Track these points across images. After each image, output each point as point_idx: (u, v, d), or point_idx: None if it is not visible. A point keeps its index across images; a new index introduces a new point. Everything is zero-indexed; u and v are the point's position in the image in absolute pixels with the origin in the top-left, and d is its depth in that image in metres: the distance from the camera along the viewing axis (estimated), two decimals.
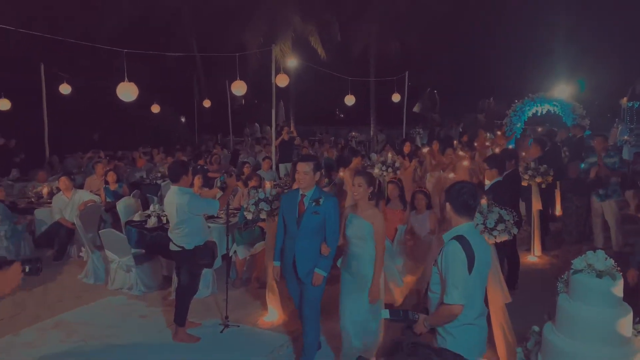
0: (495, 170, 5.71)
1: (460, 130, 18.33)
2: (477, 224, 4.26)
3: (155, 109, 16.03)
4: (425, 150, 10.28)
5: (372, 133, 21.54)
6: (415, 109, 22.38)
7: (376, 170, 8.36)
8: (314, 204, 4.06)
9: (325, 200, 4.10)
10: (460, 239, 2.87)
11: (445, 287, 2.85)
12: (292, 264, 4.17)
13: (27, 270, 2.56)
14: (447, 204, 2.98)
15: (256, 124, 20.83)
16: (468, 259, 2.82)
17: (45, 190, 8.34)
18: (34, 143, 11.84)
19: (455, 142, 12.21)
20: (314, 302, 4.23)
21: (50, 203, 7.61)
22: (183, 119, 22.01)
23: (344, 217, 4.55)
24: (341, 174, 8.23)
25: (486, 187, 5.62)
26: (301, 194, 4.14)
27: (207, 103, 18.48)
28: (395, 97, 16.07)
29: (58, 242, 7.26)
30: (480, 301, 2.97)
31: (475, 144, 12.74)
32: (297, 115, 23.12)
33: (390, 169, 8.06)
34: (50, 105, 10.99)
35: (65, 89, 11.84)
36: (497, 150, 9.72)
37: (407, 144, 9.38)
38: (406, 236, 5.86)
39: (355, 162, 7.80)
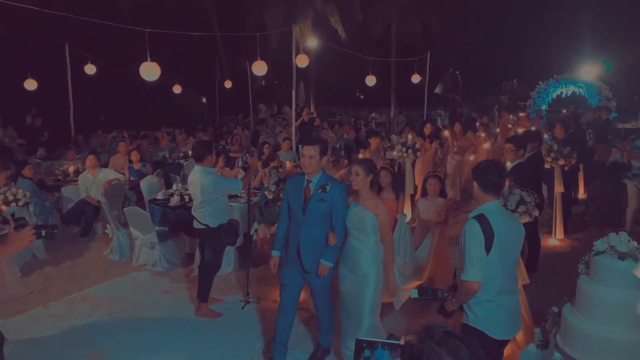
0: (517, 151, 5.66)
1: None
2: None
3: (177, 89, 16.15)
4: (446, 132, 10.20)
5: (392, 114, 21.38)
6: (437, 90, 22.11)
7: (396, 152, 8.35)
8: (320, 190, 3.81)
9: (332, 187, 3.82)
10: (480, 218, 2.90)
11: (464, 263, 2.90)
12: (296, 252, 3.92)
13: (43, 234, 2.84)
14: (475, 183, 3.04)
15: (261, 104, 20.75)
16: (486, 238, 2.85)
17: (71, 169, 8.56)
18: (59, 122, 12.08)
19: (477, 123, 12.07)
20: (324, 292, 4.02)
21: (77, 181, 7.81)
22: (204, 100, 22.14)
23: None
24: (361, 155, 8.24)
25: (508, 169, 5.57)
26: (307, 180, 3.88)
27: (228, 84, 18.54)
28: (416, 78, 15.89)
29: (84, 219, 7.47)
30: (501, 279, 2.97)
31: (498, 129, 12.60)
32: (317, 96, 23.06)
33: (410, 151, 8.04)
34: (75, 85, 11.17)
35: (90, 69, 12.02)
36: (519, 132, 9.59)
37: (428, 125, 9.32)
38: (412, 224, 5.48)
39: (375, 143, 7.80)
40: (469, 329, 2.99)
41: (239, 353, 4.34)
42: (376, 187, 3.95)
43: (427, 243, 4.85)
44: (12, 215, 4.33)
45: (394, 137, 13.48)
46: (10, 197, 5.58)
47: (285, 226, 4.03)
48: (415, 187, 8.70)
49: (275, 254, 4.08)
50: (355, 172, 3.77)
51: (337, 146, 11.82)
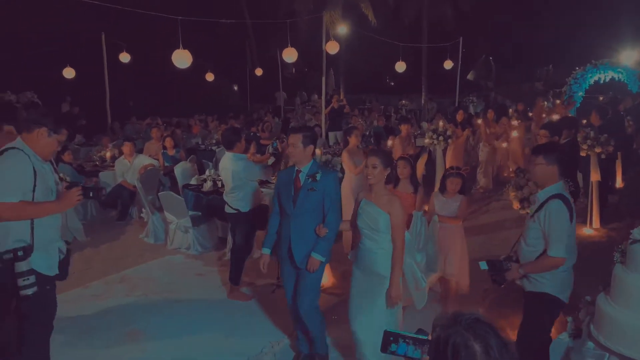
0: (552, 138, 5.55)
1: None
2: (531, 193, 4.21)
3: (209, 77, 16.34)
4: (479, 121, 10.03)
5: (423, 101, 21.13)
6: (469, 76, 21.73)
7: (427, 139, 8.28)
8: (310, 180, 3.57)
9: (323, 175, 3.59)
10: (561, 196, 3.13)
11: (549, 241, 3.13)
12: (288, 248, 3.68)
13: (90, 194, 3.16)
14: (553, 165, 3.19)
15: (282, 92, 20.78)
16: (569, 213, 3.12)
17: (108, 154, 8.82)
18: (96, 110, 12.42)
19: (510, 110, 11.83)
20: (312, 290, 3.70)
21: (113, 166, 8.05)
22: (236, 87, 22.34)
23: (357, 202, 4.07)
24: (390, 142, 8.21)
25: None
26: (296, 170, 3.65)
27: (258, 71, 18.65)
28: (448, 64, 15.65)
29: (121, 203, 7.71)
30: (574, 251, 3.27)
31: (531, 114, 12.32)
32: (347, 83, 22.94)
33: (441, 138, 7.96)
34: (110, 73, 11.44)
35: (124, 57, 12.28)
36: (555, 119, 9.37)
37: (460, 112, 9.19)
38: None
39: (405, 130, 7.75)
40: (545, 296, 3.25)
41: (268, 335, 4.43)
42: (393, 180, 3.63)
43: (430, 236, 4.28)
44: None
45: (424, 124, 13.36)
46: None
47: (277, 222, 3.80)
48: None
49: (265, 251, 3.85)
50: (372, 165, 3.40)
51: (367, 133, 11.78)
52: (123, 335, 4.46)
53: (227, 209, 5.13)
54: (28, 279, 2.91)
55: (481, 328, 1.42)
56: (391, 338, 1.60)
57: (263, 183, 6.96)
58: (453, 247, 4.63)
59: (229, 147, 5.06)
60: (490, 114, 10.12)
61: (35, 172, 2.94)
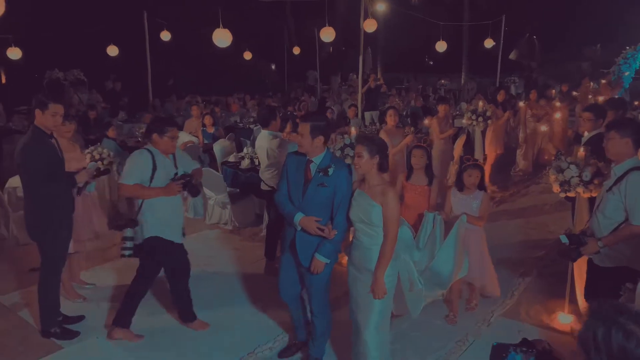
0: (597, 120, 5.37)
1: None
2: (572, 176, 4.12)
3: (248, 56, 16.45)
4: (521, 103, 9.76)
5: (462, 81, 20.68)
6: (512, 56, 21.08)
7: (465, 120, 8.15)
8: (321, 174, 3.25)
9: (335, 170, 3.24)
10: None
11: (633, 211, 3.23)
12: (292, 242, 3.41)
13: (186, 188, 3.88)
14: (627, 138, 3.27)
15: (313, 71, 20.60)
16: None
17: None
18: (138, 87, 12.74)
19: (552, 91, 11.47)
20: (319, 292, 3.46)
21: None
22: (273, 67, 22.41)
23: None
24: (426, 122, 8.13)
25: (585, 139, 5.31)
26: (308, 159, 3.33)
27: (296, 50, 18.63)
28: (489, 43, 15.22)
29: None
30: None
31: (575, 93, 11.89)
32: (385, 63, 22.65)
33: (480, 119, 7.83)
34: (152, 51, 11.68)
35: (165, 35, 12.50)
36: (600, 100, 9.04)
37: (502, 92, 8.97)
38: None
39: (443, 110, 7.64)
40: (624, 270, 3.31)
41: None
42: (386, 168, 3.15)
43: (450, 242, 3.63)
44: (107, 170, 4.75)
45: (463, 105, 13.12)
46: (97, 156, 6.02)
47: (288, 205, 3.38)
48: (485, 156, 8.50)
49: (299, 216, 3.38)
50: (358, 153, 3.12)
51: (404, 113, 11.68)
52: (164, 304, 4.66)
53: (263, 187, 5.24)
54: (126, 243, 3.92)
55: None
56: (503, 354, 1.62)
57: None
58: (473, 250, 4.11)
59: (265, 125, 5.16)
60: (533, 94, 9.84)
61: (154, 165, 3.77)
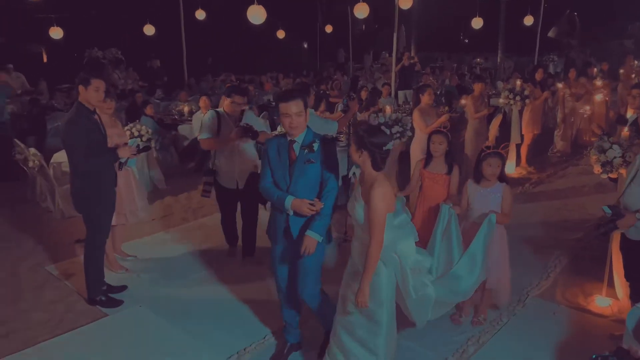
0: None
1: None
2: (615, 157, 4.03)
3: (281, 34, 16.40)
4: (559, 85, 9.46)
5: (498, 59, 20.13)
6: (551, 33, 20.34)
7: (502, 99, 7.99)
8: (306, 151, 3.10)
9: (320, 144, 3.13)
10: None
11: None
12: (285, 229, 3.21)
13: (250, 134, 4.53)
14: None
15: (341, 49, 20.28)
16: None
17: (186, 109, 9.23)
18: (174, 66, 12.91)
19: (594, 69, 11.08)
20: (311, 274, 3.27)
21: (191, 120, 8.44)
22: (305, 45, 22.29)
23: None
24: (463, 101, 7.99)
25: (631, 118, 5.15)
26: (289, 140, 3.15)
27: (329, 28, 18.46)
28: (528, 20, 14.74)
29: (198, 155, 8.09)
30: None
31: (621, 70, 11.46)
32: (419, 41, 22.19)
33: (518, 98, 7.67)
34: (187, 30, 11.77)
35: (200, 14, 12.57)
36: None
37: (540, 70, 8.70)
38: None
39: (479, 88, 7.48)
40: None
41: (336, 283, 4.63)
42: (380, 164, 2.84)
43: (478, 247, 3.32)
44: (147, 147, 4.91)
45: (499, 84, 12.82)
46: (136, 133, 6.19)
47: (276, 191, 3.20)
48: (522, 137, 8.34)
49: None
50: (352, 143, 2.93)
51: (438, 92, 11.49)
52: (200, 278, 4.82)
53: None
54: (206, 187, 4.94)
55: None
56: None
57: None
58: (493, 251, 3.67)
59: None
60: (572, 73, 9.54)
61: (219, 121, 4.62)
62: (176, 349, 3.68)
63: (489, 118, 8.16)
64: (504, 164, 3.84)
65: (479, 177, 3.83)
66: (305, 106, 3.12)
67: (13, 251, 5.33)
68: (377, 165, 2.84)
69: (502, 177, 3.84)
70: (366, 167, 2.88)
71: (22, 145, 6.56)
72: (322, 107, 8.13)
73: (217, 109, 4.80)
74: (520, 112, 8.15)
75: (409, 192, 4.43)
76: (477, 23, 14.07)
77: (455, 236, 3.31)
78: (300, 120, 3.08)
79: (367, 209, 2.79)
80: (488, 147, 3.85)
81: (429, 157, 4.20)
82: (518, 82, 7.83)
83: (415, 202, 4.49)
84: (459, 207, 3.74)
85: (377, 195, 2.74)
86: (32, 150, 6.42)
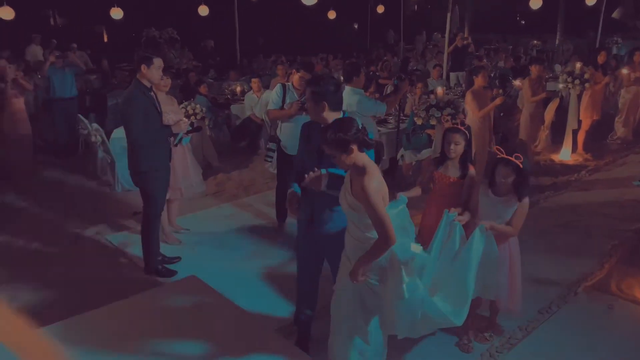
0: None
1: None
2: None
3: (331, 15, 16.31)
4: (624, 70, 8.97)
5: (557, 42, 19.27)
6: (615, 14, 19.23)
7: (561, 84, 7.69)
8: None
9: None
10: None
11: None
12: (310, 214, 3.12)
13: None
14: None
15: (391, 31, 19.76)
16: None
17: (238, 89, 9.41)
18: (227, 46, 13.13)
19: None
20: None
21: (243, 100, 8.61)
22: (356, 26, 22.07)
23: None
24: (517, 83, 7.76)
25: None
26: (321, 126, 2.99)
27: (380, 9, 18.16)
28: (590, 1, 14.01)
29: (249, 134, 8.29)
30: None
31: None
32: (473, 22, 21.52)
33: (577, 81, 7.37)
34: (240, 11, 11.91)
35: None
36: None
37: (603, 53, 8.31)
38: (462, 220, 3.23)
39: (537, 70, 7.23)
40: None
41: None
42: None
43: (469, 258, 3.00)
44: (199, 128, 5.10)
45: (558, 67, 12.32)
46: (190, 111, 6.39)
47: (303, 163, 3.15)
48: (579, 122, 8.02)
49: (296, 189, 3.19)
50: (332, 155, 2.65)
51: (492, 75, 11.17)
52: (249, 253, 4.97)
53: None
54: (269, 153, 5.51)
55: None
56: None
57: (382, 122, 7.06)
58: (503, 267, 3.31)
59: (347, 80, 5.20)
60: (638, 56, 9.03)
61: (285, 93, 5.02)
62: (228, 318, 3.84)
63: (545, 102, 7.89)
64: (519, 177, 3.20)
65: (492, 180, 3.33)
66: (314, 98, 3.00)
67: (75, 221, 5.65)
68: (368, 144, 2.61)
69: (520, 191, 3.23)
70: (357, 158, 2.60)
71: (86, 121, 6.91)
72: (372, 88, 8.11)
73: (285, 83, 5.27)
74: (579, 97, 7.83)
75: (415, 194, 3.69)
76: (535, 3, 13.47)
77: (457, 250, 3.01)
78: (309, 109, 3.09)
79: (363, 205, 2.57)
80: (500, 151, 3.30)
81: (442, 157, 3.67)
82: (578, 65, 7.50)
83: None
84: (464, 216, 3.29)
85: (371, 189, 2.51)
86: (95, 125, 6.75)
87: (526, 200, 3.26)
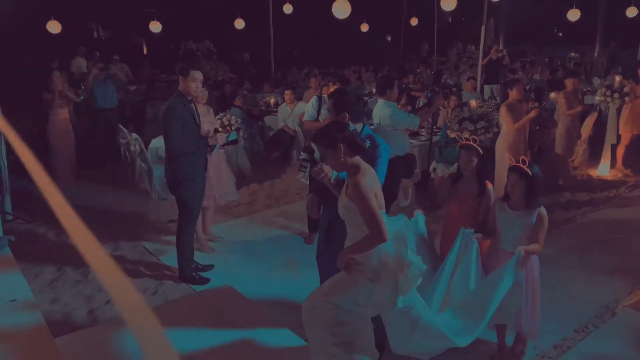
0: None
1: None
2: None
3: (364, 27, 16.41)
4: None
5: (596, 54, 18.85)
6: None
7: (599, 97, 7.54)
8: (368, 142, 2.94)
9: (371, 143, 3.03)
10: None
11: None
12: (327, 227, 3.16)
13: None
14: None
15: (425, 42, 19.71)
16: None
17: (272, 101, 9.57)
18: (262, 59, 13.37)
19: None
20: None
21: (277, 112, 8.75)
22: (389, 38, 22.13)
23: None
24: (552, 95, 7.64)
25: None
26: None
27: (414, 21, 18.19)
28: (631, 12, 13.65)
29: (282, 145, 8.42)
30: None
31: None
32: (508, 34, 21.29)
33: (616, 95, 7.21)
34: (275, 24, 12.13)
35: (287, 8, 12.88)
36: None
37: None
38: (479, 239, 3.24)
39: (572, 84, 7.11)
40: None
41: None
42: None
43: (498, 285, 2.93)
44: (235, 141, 5.23)
45: (596, 80, 12.04)
46: (226, 122, 6.52)
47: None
48: (619, 137, 7.82)
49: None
50: (322, 155, 2.72)
51: (527, 88, 11.01)
52: (281, 262, 5.02)
53: None
54: (303, 163, 5.36)
55: None
56: None
57: (414, 135, 7.05)
58: (527, 293, 3.13)
59: (381, 93, 5.24)
60: None
61: (320, 106, 5.32)
62: (261, 328, 3.89)
63: (583, 116, 7.74)
64: (529, 186, 3.07)
65: (507, 196, 3.19)
66: (336, 108, 3.25)
67: (114, 227, 5.83)
68: (359, 147, 2.64)
69: (531, 200, 3.10)
70: (349, 159, 2.63)
71: (125, 131, 7.15)
72: (403, 100, 8.10)
73: (320, 95, 5.49)
74: (618, 111, 7.65)
75: (435, 210, 3.77)
76: (573, 15, 13.25)
77: (475, 270, 2.98)
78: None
79: (355, 204, 2.58)
80: (511, 159, 3.22)
81: (459, 174, 3.64)
82: (617, 78, 7.34)
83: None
84: (482, 235, 3.23)
85: (361, 185, 2.54)
86: (134, 135, 6.98)
87: (543, 210, 3.12)
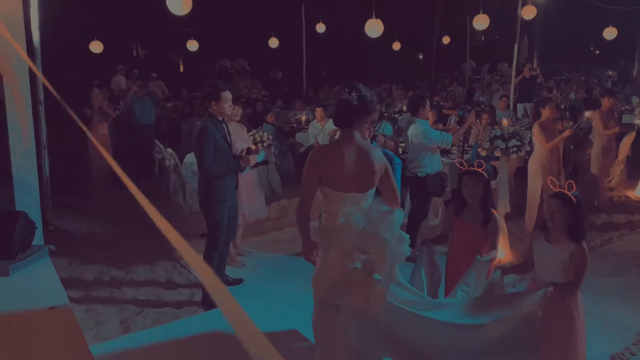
0: None
1: None
2: None
3: (396, 46, 16.50)
4: None
5: (635, 73, 18.40)
6: None
7: (637, 118, 7.37)
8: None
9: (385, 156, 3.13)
10: None
11: None
12: None
13: None
14: None
15: (471, 61, 19.64)
16: None
17: (303, 118, 9.70)
18: (295, 77, 13.61)
19: None
20: None
21: (307, 128, 8.86)
22: (421, 56, 22.17)
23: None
24: (587, 114, 7.50)
25: None
26: None
27: (446, 40, 18.20)
28: None
29: None
30: None
31: None
32: (542, 52, 21.02)
33: None
34: (308, 43, 12.37)
35: (320, 27, 13.11)
36: None
37: None
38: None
39: (608, 103, 6.97)
40: None
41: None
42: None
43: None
44: (266, 161, 5.31)
45: (635, 99, 11.75)
46: (258, 139, 6.66)
47: None
48: None
49: None
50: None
51: (562, 107, 10.82)
52: (309, 278, 5.04)
53: (406, 173, 5.37)
54: None
55: None
56: None
57: (445, 153, 7.03)
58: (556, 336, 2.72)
59: (413, 112, 5.28)
60: None
61: None
62: (289, 346, 3.89)
63: (620, 136, 7.56)
64: (575, 215, 2.69)
65: (543, 226, 2.84)
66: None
67: (148, 241, 5.96)
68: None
69: (576, 233, 2.70)
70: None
71: (161, 146, 7.37)
72: (432, 117, 8.08)
73: None
74: None
75: (441, 243, 3.53)
76: (609, 33, 13.01)
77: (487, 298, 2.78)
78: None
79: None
80: (554, 183, 2.91)
81: (462, 202, 3.40)
82: None
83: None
84: (492, 254, 3.09)
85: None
86: (169, 150, 7.18)
87: (584, 244, 2.71)
